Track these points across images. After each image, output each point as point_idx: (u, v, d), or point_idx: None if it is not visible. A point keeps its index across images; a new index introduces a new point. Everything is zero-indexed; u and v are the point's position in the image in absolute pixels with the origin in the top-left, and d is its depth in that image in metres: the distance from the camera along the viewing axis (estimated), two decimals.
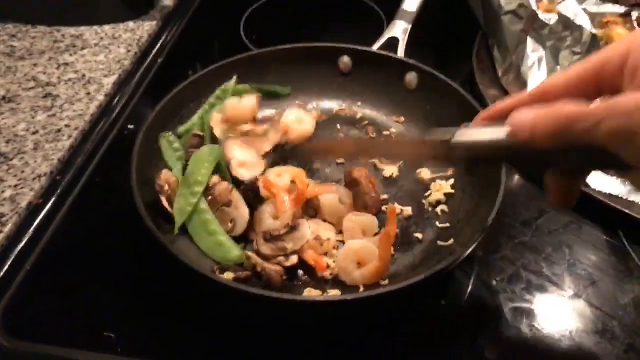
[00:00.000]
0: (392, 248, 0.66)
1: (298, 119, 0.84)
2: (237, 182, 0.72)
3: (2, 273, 0.68)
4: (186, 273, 0.59)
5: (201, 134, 0.79)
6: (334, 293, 0.63)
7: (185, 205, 0.68)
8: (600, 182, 0.77)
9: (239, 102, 0.80)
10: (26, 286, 0.67)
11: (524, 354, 0.61)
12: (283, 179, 0.73)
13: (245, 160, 0.74)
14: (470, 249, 0.61)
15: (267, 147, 0.77)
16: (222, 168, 0.73)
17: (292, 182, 0.72)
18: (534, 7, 0.88)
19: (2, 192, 0.75)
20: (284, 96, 0.90)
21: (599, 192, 0.75)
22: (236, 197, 0.70)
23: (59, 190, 0.78)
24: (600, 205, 0.74)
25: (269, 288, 0.62)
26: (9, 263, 0.69)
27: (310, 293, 0.63)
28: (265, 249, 0.65)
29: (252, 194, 0.70)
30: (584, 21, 0.82)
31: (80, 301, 0.66)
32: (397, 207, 0.74)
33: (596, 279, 0.68)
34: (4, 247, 0.70)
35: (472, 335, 0.63)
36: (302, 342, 0.63)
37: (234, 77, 0.86)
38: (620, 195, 0.76)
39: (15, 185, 0.76)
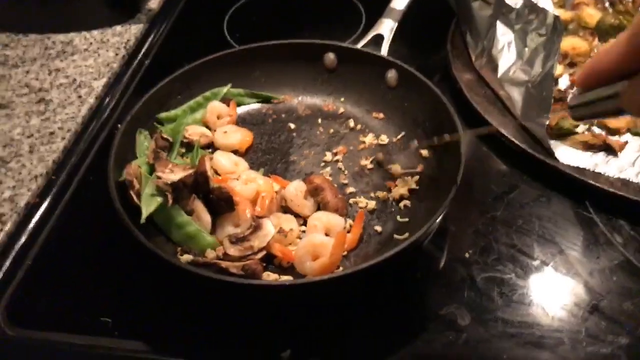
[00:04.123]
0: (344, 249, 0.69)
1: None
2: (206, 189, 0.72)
3: (4, 268, 0.73)
4: (150, 255, 0.63)
5: (169, 139, 0.80)
6: (286, 278, 0.67)
7: (150, 203, 0.69)
8: (569, 156, 0.81)
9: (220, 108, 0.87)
10: (27, 279, 0.72)
11: (495, 319, 0.65)
12: (250, 187, 0.74)
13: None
14: (401, 247, 0.62)
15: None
16: None
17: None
18: None
19: (2, 193, 0.79)
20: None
21: (567, 166, 0.79)
22: (199, 206, 0.71)
23: (55, 190, 0.82)
24: (568, 178, 0.78)
25: (254, 278, 0.65)
26: (10, 259, 0.74)
27: (269, 277, 0.67)
28: (234, 251, 0.67)
29: (225, 204, 0.71)
30: (547, 4, 0.85)
31: (77, 291, 0.71)
32: (363, 201, 0.77)
33: (564, 247, 0.72)
34: (5, 245, 0.75)
35: (446, 304, 0.67)
36: (282, 323, 0.67)
37: (229, 84, 0.90)
38: (587, 168, 0.79)
39: (14, 187, 0.80)
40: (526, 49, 0.89)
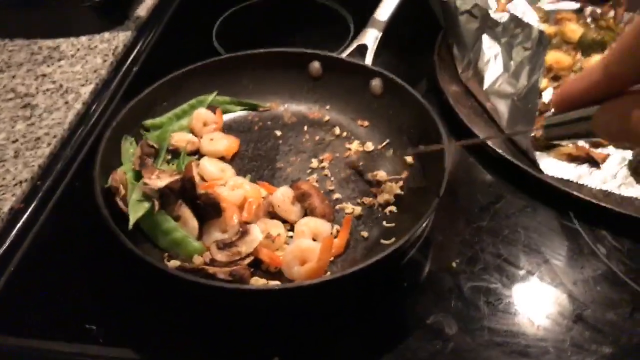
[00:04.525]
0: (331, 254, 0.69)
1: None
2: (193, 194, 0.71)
3: None
4: (137, 261, 0.62)
5: (155, 145, 0.80)
6: (274, 283, 0.67)
7: (137, 209, 0.69)
8: (553, 167, 0.82)
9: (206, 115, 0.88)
10: (11, 286, 0.70)
11: (481, 328, 0.66)
12: (237, 193, 0.75)
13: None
14: (388, 251, 0.63)
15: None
16: None
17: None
18: (490, 6, 0.94)
19: None
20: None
21: (552, 178, 0.80)
22: (186, 212, 0.71)
23: (40, 195, 0.81)
24: (553, 189, 0.79)
25: (241, 283, 0.65)
26: None
27: (257, 282, 0.67)
28: (221, 256, 0.67)
29: (212, 209, 0.71)
30: (531, 19, 0.87)
31: (61, 298, 0.69)
32: (349, 207, 0.77)
33: (549, 257, 0.73)
34: None
35: (433, 313, 0.67)
36: (270, 331, 0.67)
37: (215, 92, 0.91)
38: (571, 180, 0.81)
39: None
40: (512, 62, 0.90)
